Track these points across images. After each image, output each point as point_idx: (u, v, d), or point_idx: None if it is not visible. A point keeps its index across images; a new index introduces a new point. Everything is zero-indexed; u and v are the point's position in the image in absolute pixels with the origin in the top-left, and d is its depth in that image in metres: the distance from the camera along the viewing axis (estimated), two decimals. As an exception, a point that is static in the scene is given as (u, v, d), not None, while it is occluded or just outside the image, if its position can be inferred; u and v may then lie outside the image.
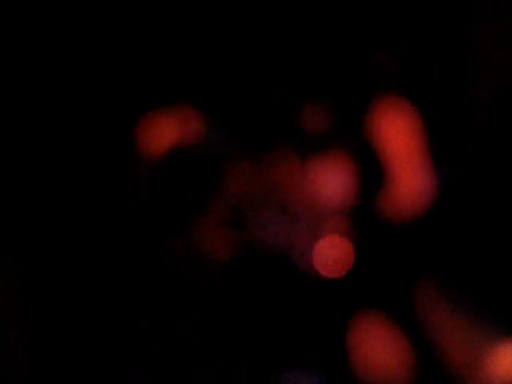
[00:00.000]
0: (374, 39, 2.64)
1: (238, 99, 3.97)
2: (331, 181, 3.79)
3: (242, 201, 2.73)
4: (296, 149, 4.03)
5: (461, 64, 4.58)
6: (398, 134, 2.39)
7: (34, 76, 3.03)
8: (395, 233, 2.45)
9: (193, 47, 3.71)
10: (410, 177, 2.38)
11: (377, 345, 3.51)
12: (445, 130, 2.93)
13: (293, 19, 4.28)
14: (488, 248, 3.96)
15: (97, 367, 2.76)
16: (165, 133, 2.77)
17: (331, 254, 2.62)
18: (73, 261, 2.96)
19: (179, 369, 2.67)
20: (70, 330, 2.79)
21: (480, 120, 4.61)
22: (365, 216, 2.46)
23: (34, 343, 2.58)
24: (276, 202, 3.56)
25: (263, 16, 4.04)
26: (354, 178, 2.50)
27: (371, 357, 3.39)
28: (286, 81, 4.07)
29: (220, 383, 2.80)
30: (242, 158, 2.80)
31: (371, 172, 2.46)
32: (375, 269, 2.51)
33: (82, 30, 3.25)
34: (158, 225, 2.49)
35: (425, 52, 2.83)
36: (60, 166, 3.16)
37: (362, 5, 4.07)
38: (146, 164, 2.61)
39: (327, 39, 3.93)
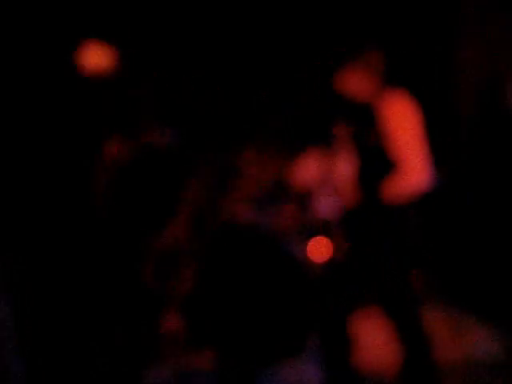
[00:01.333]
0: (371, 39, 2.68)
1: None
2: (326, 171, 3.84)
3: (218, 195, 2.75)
4: (288, 142, 4.08)
5: (448, 64, 4.64)
6: (403, 125, 2.44)
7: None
8: (396, 221, 2.47)
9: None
10: (413, 165, 2.42)
11: (371, 336, 3.56)
12: (437, 127, 2.94)
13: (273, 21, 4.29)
14: (481, 248, 4.01)
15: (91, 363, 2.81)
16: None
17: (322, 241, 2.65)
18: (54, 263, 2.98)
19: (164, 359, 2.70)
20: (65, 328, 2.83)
21: (466, 115, 4.65)
22: (367, 206, 2.48)
23: (32, 340, 2.62)
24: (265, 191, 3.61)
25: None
26: (355, 169, 2.52)
27: (366, 348, 3.44)
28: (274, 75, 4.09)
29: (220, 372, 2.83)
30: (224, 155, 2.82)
31: (376, 161, 2.49)
32: (372, 257, 2.54)
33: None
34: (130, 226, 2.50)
35: (416, 52, 2.88)
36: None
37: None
38: (110, 166, 2.62)
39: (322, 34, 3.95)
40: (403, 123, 2.43)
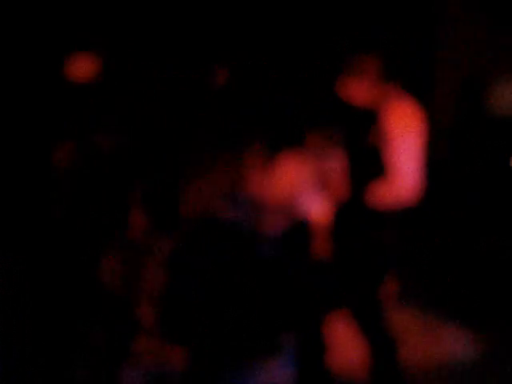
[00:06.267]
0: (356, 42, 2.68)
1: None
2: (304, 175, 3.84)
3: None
4: (269, 143, 4.09)
5: (428, 65, 4.68)
6: (402, 129, 2.42)
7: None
8: (379, 227, 2.48)
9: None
10: (407, 172, 2.41)
11: (344, 338, 3.61)
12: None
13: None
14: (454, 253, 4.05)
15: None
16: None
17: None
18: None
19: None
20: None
21: (443, 117, 4.71)
22: (353, 209, 2.48)
23: (35, 337, 2.62)
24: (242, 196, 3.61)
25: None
26: (344, 171, 2.51)
27: (339, 349, 3.49)
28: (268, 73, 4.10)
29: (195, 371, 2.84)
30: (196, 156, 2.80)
31: (369, 164, 2.48)
32: (353, 263, 2.55)
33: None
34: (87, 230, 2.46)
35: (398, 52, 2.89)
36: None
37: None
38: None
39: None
40: (402, 127, 2.43)
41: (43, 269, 2.71)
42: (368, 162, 2.48)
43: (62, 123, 2.62)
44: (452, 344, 3.64)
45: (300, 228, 4.15)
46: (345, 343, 3.64)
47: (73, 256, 2.51)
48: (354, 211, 2.51)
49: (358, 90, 2.53)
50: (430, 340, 3.71)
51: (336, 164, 2.60)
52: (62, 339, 2.71)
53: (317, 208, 2.74)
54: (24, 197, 2.79)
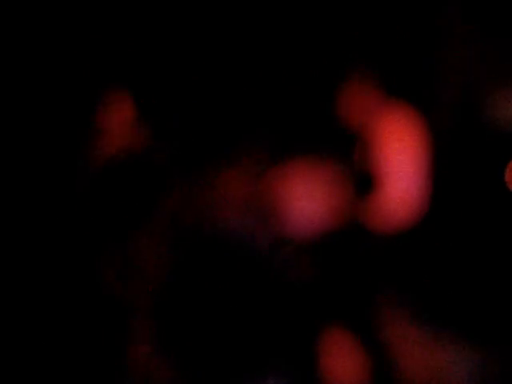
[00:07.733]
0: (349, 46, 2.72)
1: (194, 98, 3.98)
2: (302, 187, 3.88)
3: (188, 211, 2.77)
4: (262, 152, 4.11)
5: (427, 68, 4.74)
6: (398, 143, 2.43)
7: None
8: (373, 244, 2.49)
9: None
10: (402, 187, 2.41)
11: (339, 356, 3.63)
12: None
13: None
14: (449, 263, 4.09)
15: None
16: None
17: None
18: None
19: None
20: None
21: (443, 122, 4.77)
22: (345, 226, 2.49)
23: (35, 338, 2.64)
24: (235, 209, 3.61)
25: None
26: (336, 185, 2.54)
27: (333, 367, 3.50)
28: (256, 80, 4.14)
29: None
30: (191, 165, 2.83)
31: (360, 178, 2.49)
32: (345, 278, 2.57)
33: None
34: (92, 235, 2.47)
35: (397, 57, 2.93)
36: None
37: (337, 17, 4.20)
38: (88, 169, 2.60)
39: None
40: (399, 141, 2.45)
41: (43, 269, 2.73)
42: (364, 175, 2.49)
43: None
44: (450, 356, 3.64)
45: (293, 240, 4.18)
46: (341, 358, 3.62)
47: (73, 257, 2.54)
48: (349, 223, 2.53)
49: (356, 101, 2.56)
50: (428, 352, 3.71)
51: (331, 177, 2.62)
52: (61, 339, 2.73)
53: (312, 220, 2.74)
54: (25, 196, 2.81)
